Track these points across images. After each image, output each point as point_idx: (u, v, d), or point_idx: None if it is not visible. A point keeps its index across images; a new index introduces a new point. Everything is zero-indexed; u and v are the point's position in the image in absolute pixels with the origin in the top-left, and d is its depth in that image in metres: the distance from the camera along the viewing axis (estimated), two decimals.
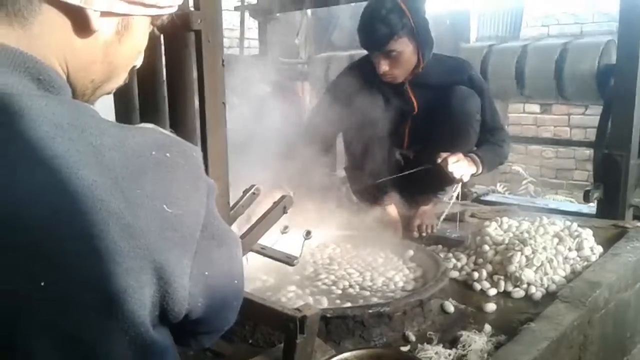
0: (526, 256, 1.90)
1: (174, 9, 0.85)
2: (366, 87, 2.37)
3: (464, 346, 1.47)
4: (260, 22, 4.21)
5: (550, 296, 1.76)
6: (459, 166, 2.23)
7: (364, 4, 2.43)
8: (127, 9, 0.77)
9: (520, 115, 6.53)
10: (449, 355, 1.44)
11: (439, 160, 2.21)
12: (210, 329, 0.87)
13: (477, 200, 3.56)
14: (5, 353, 0.62)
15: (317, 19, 4.91)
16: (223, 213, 1.27)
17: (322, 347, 1.31)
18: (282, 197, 1.44)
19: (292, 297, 1.71)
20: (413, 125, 2.52)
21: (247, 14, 4.53)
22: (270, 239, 1.47)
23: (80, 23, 0.74)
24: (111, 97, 1.31)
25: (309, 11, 4.60)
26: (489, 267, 1.96)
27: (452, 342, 1.51)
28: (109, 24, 0.77)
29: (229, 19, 4.91)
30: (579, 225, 2.16)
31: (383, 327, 1.53)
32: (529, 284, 1.84)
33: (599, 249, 2.06)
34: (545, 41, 4.59)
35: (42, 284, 0.61)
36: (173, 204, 0.69)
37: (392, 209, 2.50)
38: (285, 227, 1.53)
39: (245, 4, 4.67)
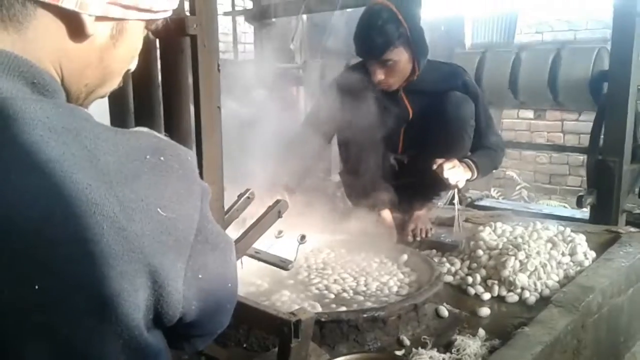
0: (520, 261, 1.91)
1: (168, 14, 0.86)
2: (361, 93, 2.38)
3: (458, 350, 1.48)
4: (255, 27, 4.22)
5: (543, 301, 1.77)
6: (455, 172, 2.23)
7: (360, 9, 2.44)
8: (121, 13, 0.77)
9: (514, 121, 6.56)
10: (443, 359, 1.44)
11: (435, 167, 2.21)
12: (203, 332, 0.87)
13: (471, 205, 3.58)
14: None
15: (312, 24, 4.92)
16: (218, 217, 1.27)
17: (317, 351, 1.31)
18: (277, 202, 1.44)
19: (286, 302, 1.71)
20: (408, 131, 2.53)
21: (242, 19, 4.54)
22: (265, 243, 1.47)
23: (75, 27, 0.74)
24: (106, 100, 1.32)
25: (304, 16, 4.60)
26: (483, 271, 1.97)
27: (447, 347, 1.51)
28: (104, 28, 0.77)
29: (225, 24, 4.91)
30: (572, 231, 2.17)
31: (377, 332, 1.53)
32: (522, 289, 1.85)
33: (592, 254, 2.07)
34: (539, 47, 4.62)
35: (36, 287, 0.61)
36: (167, 207, 0.69)
37: (387, 213, 2.50)
38: (280, 232, 1.53)
39: (237, 9, 4.68)
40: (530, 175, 6.52)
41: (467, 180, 2.34)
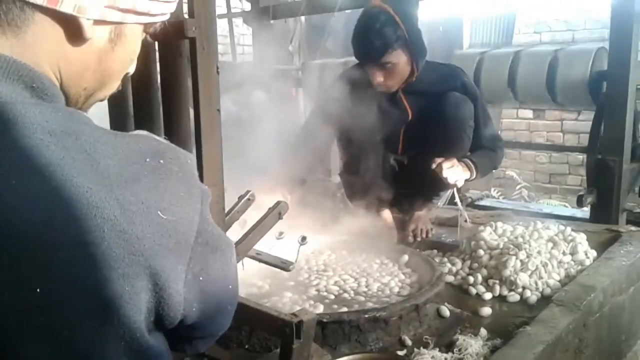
0: (521, 260, 1.91)
1: (166, 17, 0.86)
2: (360, 94, 2.38)
3: (460, 350, 1.47)
4: (254, 29, 4.22)
5: (545, 300, 1.77)
6: (454, 171, 2.24)
7: (359, 11, 2.44)
8: (119, 17, 0.77)
9: (513, 121, 6.57)
10: (445, 359, 1.44)
11: (434, 166, 2.22)
12: (205, 334, 0.87)
13: (472, 205, 3.58)
14: None
15: (311, 26, 4.93)
16: (218, 219, 1.27)
17: (319, 352, 1.31)
18: (278, 203, 1.44)
19: (287, 303, 1.71)
20: (407, 132, 2.53)
21: (240, 21, 4.54)
22: (266, 244, 1.47)
23: (74, 31, 0.74)
24: (106, 103, 1.32)
25: (302, 18, 4.61)
26: (484, 271, 1.97)
27: (448, 346, 1.51)
28: (102, 32, 0.77)
29: (224, 26, 4.92)
30: (573, 230, 2.17)
31: (379, 332, 1.53)
32: (524, 288, 1.85)
33: (593, 253, 2.07)
34: (538, 48, 4.63)
35: (37, 290, 0.61)
36: (167, 210, 0.69)
37: (387, 214, 2.50)
38: (281, 233, 1.54)
39: (235, 11, 4.68)
40: (530, 175, 6.53)
41: (466, 180, 2.34)
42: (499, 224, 2.21)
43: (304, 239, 1.52)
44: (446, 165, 2.21)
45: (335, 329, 1.48)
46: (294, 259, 1.45)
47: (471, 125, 2.43)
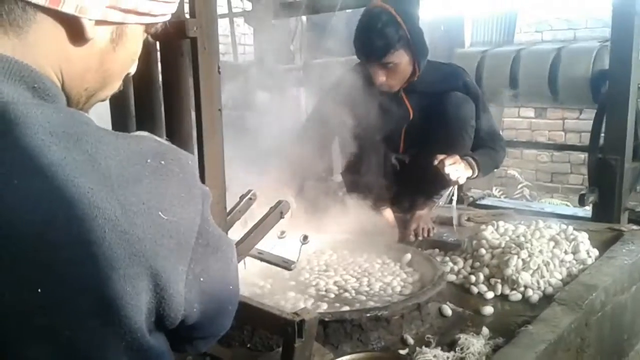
0: (523, 259, 1.91)
1: (167, 17, 0.86)
2: (362, 93, 2.38)
3: (462, 349, 1.47)
4: (255, 29, 4.22)
5: (547, 299, 1.77)
6: (455, 168, 2.23)
7: (361, 10, 2.44)
8: (121, 17, 0.77)
9: (515, 120, 6.56)
10: (447, 358, 1.44)
11: (436, 162, 2.22)
12: (206, 335, 0.87)
13: (473, 204, 3.58)
14: None
15: (312, 25, 4.92)
16: (220, 219, 1.27)
17: (321, 351, 1.31)
18: (279, 202, 1.44)
19: (289, 302, 1.71)
20: (409, 131, 2.53)
21: (242, 20, 4.54)
22: (268, 244, 1.47)
23: (75, 32, 0.74)
24: (107, 104, 1.32)
25: (304, 17, 4.60)
26: (486, 270, 1.96)
27: (450, 345, 1.51)
28: (104, 32, 0.77)
29: (225, 26, 4.92)
30: (574, 229, 2.17)
31: (381, 331, 1.53)
32: (525, 287, 1.85)
33: (594, 252, 2.07)
34: (539, 46, 4.62)
35: (38, 290, 0.61)
36: (168, 211, 0.69)
37: (389, 213, 2.50)
38: (283, 232, 1.54)
39: (237, 11, 4.68)
40: (531, 174, 6.52)
41: (468, 178, 2.34)
42: (501, 223, 2.21)
43: (305, 238, 1.52)
44: (448, 162, 2.21)
45: (337, 327, 1.49)
46: (296, 258, 1.45)
47: (472, 125, 2.43)
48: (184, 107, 1.31)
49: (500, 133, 2.74)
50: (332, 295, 1.78)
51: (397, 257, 2.08)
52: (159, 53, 1.33)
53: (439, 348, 1.48)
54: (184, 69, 1.30)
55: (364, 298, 1.76)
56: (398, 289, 1.83)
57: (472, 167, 2.32)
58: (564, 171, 6.41)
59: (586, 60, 3.64)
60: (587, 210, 3.11)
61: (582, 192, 2.89)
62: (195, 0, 1.22)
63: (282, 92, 2.67)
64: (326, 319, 1.47)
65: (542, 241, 2.03)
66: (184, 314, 0.74)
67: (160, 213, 0.68)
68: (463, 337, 1.52)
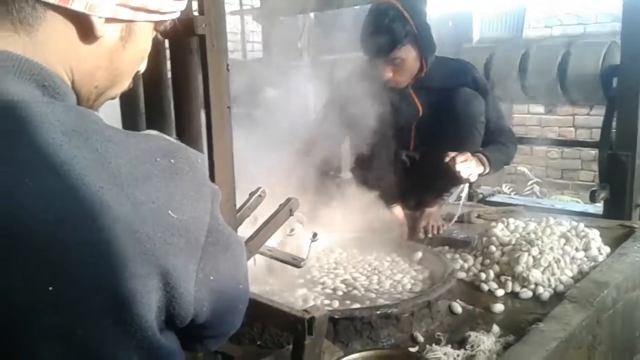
0: (533, 257, 1.90)
1: (176, 15, 0.86)
2: (370, 90, 2.38)
3: (472, 347, 1.47)
4: (263, 26, 4.22)
5: (557, 296, 1.76)
6: (467, 166, 2.23)
7: (368, 7, 2.43)
8: (130, 15, 0.77)
9: (524, 116, 6.52)
10: (458, 355, 1.44)
11: (447, 160, 2.21)
12: (216, 333, 0.87)
13: (483, 201, 3.56)
14: (10, 358, 0.62)
15: (320, 22, 4.91)
16: (229, 217, 1.27)
17: (331, 349, 1.31)
18: (289, 199, 1.44)
19: (298, 299, 1.71)
20: (419, 128, 2.52)
21: (250, 18, 4.54)
22: (277, 241, 1.47)
23: (85, 29, 0.74)
24: (117, 101, 1.32)
25: (312, 14, 4.60)
26: (496, 267, 1.96)
27: (461, 343, 1.51)
28: (113, 30, 0.78)
29: (233, 23, 4.92)
30: (585, 226, 2.16)
31: (391, 328, 1.53)
32: (536, 285, 1.84)
33: (606, 249, 2.05)
34: (549, 42, 4.58)
35: (50, 288, 0.61)
36: (178, 209, 0.69)
37: (399, 210, 2.50)
38: (292, 230, 1.54)
39: (245, 8, 4.68)
40: (542, 171, 6.48)
41: (479, 175, 2.33)
42: (511, 220, 2.20)
43: (315, 235, 1.52)
44: (460, 159, 2.20)
45: (347, 325, 1.48)
46: (305, 256, 1.45)
47: (482, 121, 2.42)
48: (193, 104, 1.31)
49: (511, 128, 2.73)
50: (342, 293, 1.78)
51: (406, 254, 2.07)
52: (168, 51, 1.33)
53: (449, 346, 1.48)
54: (193, 66, 1.29)
55: (373, 295, 1.76)
56: (408, 286, 1.82)
57: (483, 164, 2.31)
58: (574, 167, 6.36)
59: (596, 55, 3.61)
60: (598, 207, 3.08)
61: (593, 188, 2.87)
62: None
63: (290, 89, 2.67)
64: (336, 317, 1.47)
65: (553, 238, 2.02)
66: (194, 313, 0.74)
67: (170, 212, 0.68)
68: (473, 335, 1.51)
